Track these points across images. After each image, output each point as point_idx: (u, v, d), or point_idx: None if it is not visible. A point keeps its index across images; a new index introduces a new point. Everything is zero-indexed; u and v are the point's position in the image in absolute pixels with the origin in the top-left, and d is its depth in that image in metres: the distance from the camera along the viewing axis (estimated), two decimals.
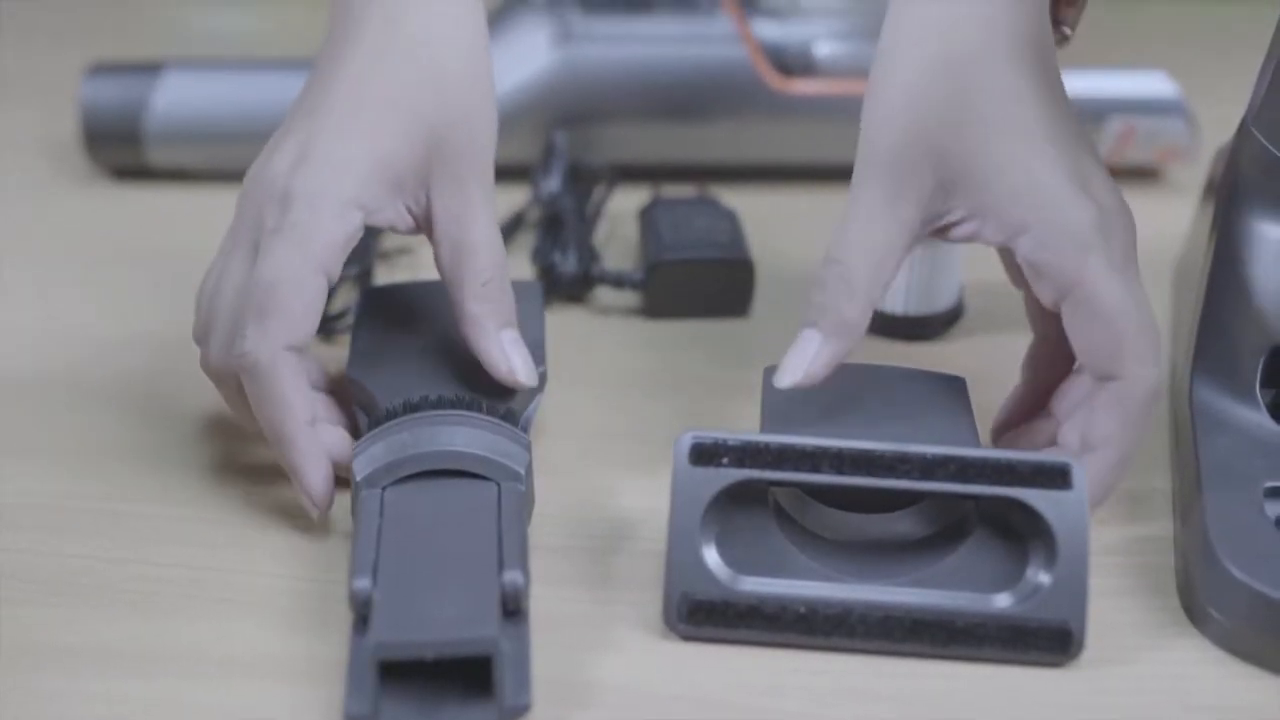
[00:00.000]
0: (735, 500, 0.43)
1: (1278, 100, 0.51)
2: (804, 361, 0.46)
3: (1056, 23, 0.50)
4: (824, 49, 0.69)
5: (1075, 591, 0.42)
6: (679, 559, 0.43)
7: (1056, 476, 0.42)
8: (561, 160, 0.66)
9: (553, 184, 0.65)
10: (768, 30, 0.69)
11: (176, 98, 0.68)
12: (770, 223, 0.66)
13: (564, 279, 0.60)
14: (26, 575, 0.46)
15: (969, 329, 0.60)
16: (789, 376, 0.46)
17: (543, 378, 0.50)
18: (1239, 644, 0.43)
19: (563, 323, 0.59)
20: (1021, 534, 0.43)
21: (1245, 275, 0.51)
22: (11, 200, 0.69)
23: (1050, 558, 0.42)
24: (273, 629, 0.44)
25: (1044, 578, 0.42)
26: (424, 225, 0.49)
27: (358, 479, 0.44)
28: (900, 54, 0.46)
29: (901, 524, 0.46)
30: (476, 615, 0.39)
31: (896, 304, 0.58)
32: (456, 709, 0.39)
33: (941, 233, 0.47)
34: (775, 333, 0.59)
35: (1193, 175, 0.70)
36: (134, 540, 0.47)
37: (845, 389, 0.48)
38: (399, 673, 0.38)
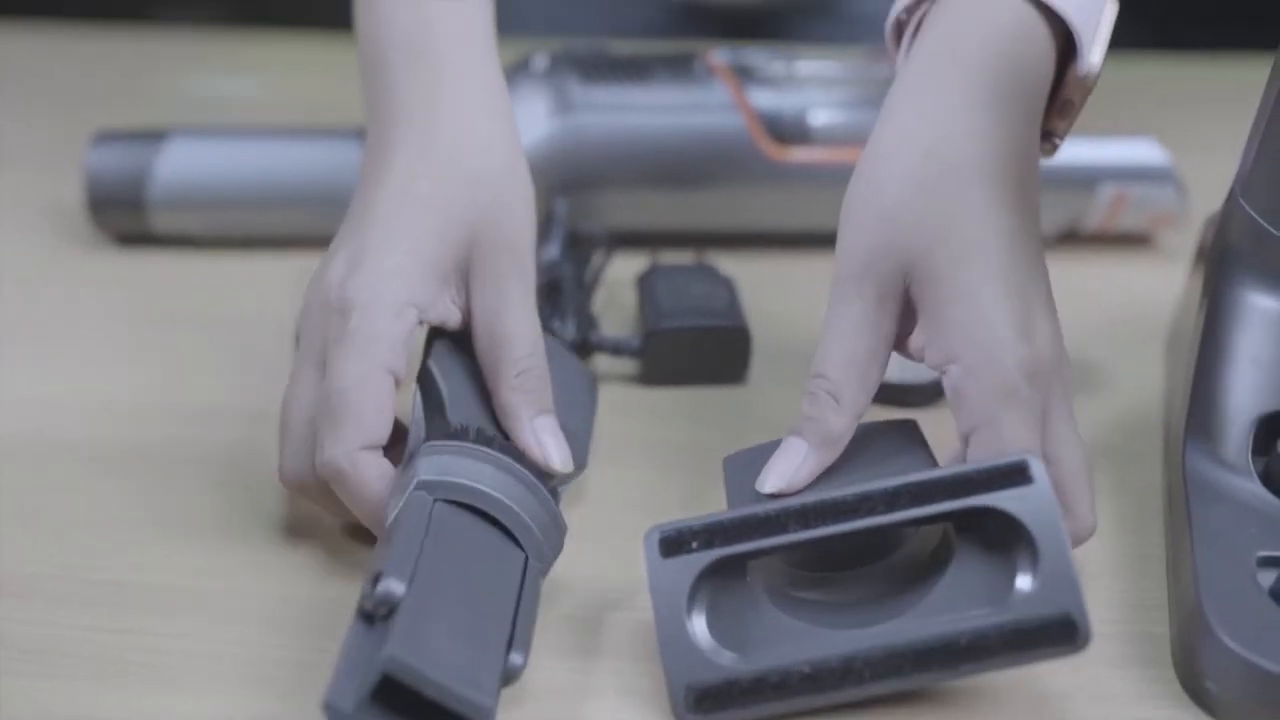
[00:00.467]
0: (716, 581, 0.43)
1: (1265, 172, 0.51)
2: (789, 470, 0.47)
3: (1047, 134, 0.51)
4: (819, 118, 0.70)
5: (1065, 580, 0.41)
6: (674, 652, 0.43)
7: (1015, 475, 0.42)
8: (561, 227, 0.66)
9: (552, 251, 0.65)
10: (764, 99, 0.70)
11: (180, 165, 0.69)
12: (767, 289, 0.66)
13: None
14: (28, 645, 0.46)
15: None
16: (774, 483, 0.47)
17: (580, 471, 0.51)
18: (1236, 717, 0.43)
19: None
20: (1001, 543, 0.42)
21: (1235, 344, 0.52)
22: (17, 265, 0.69)
23: (1032, 554, 0.42)
24: (268, 700, 0.44)
25: (1031, 575, 0.42)
26: (466, 316, 0.50)
27: (419, 478, 0.44)
28: (884, 166, 0.47)
29: (884, 571, 0.46)
30: (482, 680, 0.39)
31: (891, 371, 0.59)
32: None
33: (900, 345, 0.48)
34: (772, 400, 0.60)
35: (1184, 240, 0.71)
36: (135, 610, 0.47)
37: None
38: (385, 685, 0.38)
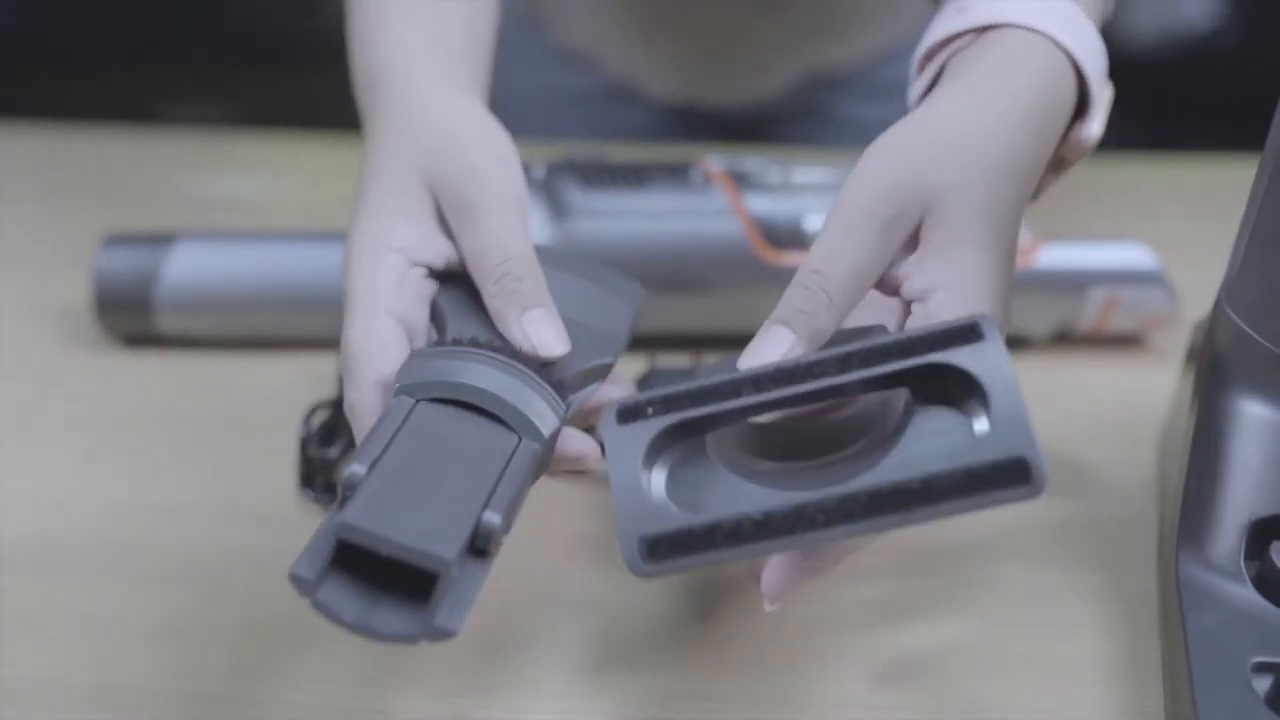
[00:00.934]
0: (676, 453, 0.44)
1: (1249, 282, 0.52)
2: (775, 357, 0.47)
3: None
4: (814, 222, 0.71)
5: (1018, 424, 0.41)
6: (628, 506, 0.43)
7: (967, 333, 0.43)
8: None
9: None
10: (760, 205, 0.71)
11: (187, 268, 0.70)
12: None
13: None
14: None
15: None
16: (756, 362, 0.47)
17: (607, 368, 0.52)
18: None
19: (558, 494, 0.60)
20: (958, 404, 0.43)
21: (1225, 450, 0.52)
22: (22, 364, 0.70)
23: (985, 405, 0.42)
24: None
25: (984, 423, 0.42)
26: None
27: (399, 383, 0.46)
28: (922, 125, 0.49)
29: (846, 460, 0.46)
30: (443, 536, 0.40)
31: None
32: (390, 612, 0.40)
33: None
34: None
35: (1176, 339, 0.72)
36: (131, 715, 0.48)
37: None
38: (358, 562, 0.40)
